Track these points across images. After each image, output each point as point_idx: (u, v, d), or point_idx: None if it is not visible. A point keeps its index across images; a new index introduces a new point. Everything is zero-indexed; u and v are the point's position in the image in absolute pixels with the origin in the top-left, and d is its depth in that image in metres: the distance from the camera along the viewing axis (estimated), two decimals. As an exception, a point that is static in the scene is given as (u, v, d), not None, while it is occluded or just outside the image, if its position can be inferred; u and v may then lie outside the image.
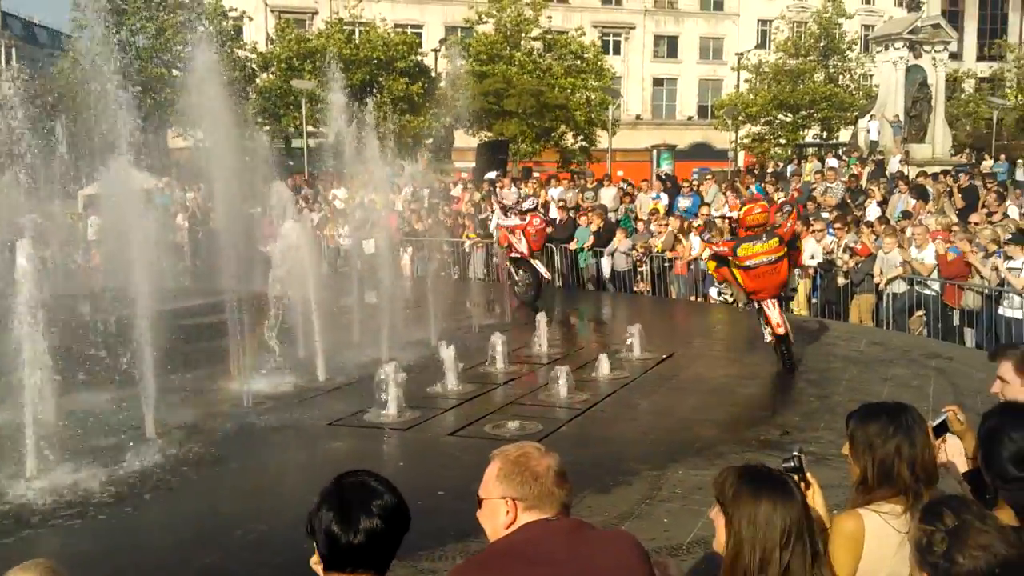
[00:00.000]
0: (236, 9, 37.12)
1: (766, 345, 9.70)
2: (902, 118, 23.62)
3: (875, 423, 2.77)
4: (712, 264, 9.92)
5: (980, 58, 55.18)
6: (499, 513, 2.39)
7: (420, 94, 35.51)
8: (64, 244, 15.71)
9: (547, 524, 2.36)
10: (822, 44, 41.38)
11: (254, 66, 36.33)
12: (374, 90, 33.15)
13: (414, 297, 13.03)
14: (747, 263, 8.99)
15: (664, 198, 18.08)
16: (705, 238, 12.13)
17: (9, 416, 6.92)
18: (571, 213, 17.28)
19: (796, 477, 2.60)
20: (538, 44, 38.55)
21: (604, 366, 9.47)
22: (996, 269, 11.12)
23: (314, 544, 2.22)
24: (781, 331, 9.15)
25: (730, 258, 9.12)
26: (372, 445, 7.54)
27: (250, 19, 40.36)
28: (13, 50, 60.37)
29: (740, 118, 40.99)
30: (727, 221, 11.98)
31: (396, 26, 42.21)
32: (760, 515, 2.29)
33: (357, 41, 37.01)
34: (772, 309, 9.19)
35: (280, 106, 35.08)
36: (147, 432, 7.47)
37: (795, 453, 2.69)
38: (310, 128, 30.49)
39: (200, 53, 13.76)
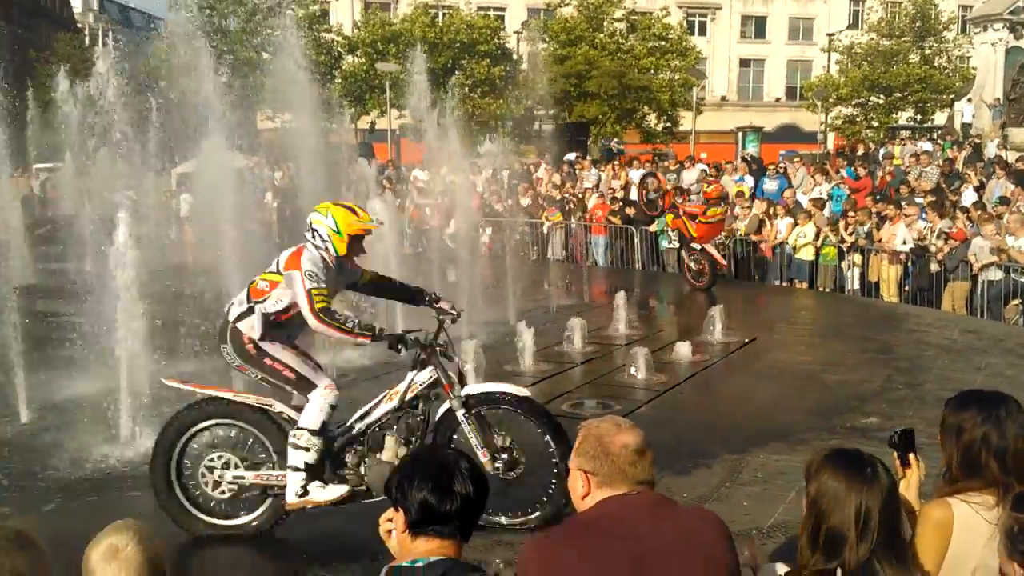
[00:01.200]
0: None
1: (853, 332, 9.45)
2: (1001, 101, 22.49)
3: (966, 410, 2.65)
4: (670, 217, 14.35)
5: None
6: (577, 485, 2.40)
7: (501, 77, 35.55)
8: (157, 221, 16.29)
9: (625, 499, 2.34)
10: (917, 25, 39.74)
11: (340, 49, 36.93)
12: (456, 73, 33.34)
13: (493, 277, 13.08)
14: (710, 220, 13.57)
15: (749, 180, 17.66)
16: (679, 201, 14.79)
17: (106, 384, 7.22)
18: (653, 195, 17.03)
19: (895, 454, 2.51)
20: (621, 25, 38.08)
21: (684, 349, 9.34)
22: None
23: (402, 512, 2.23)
24: (724, 263, 13.99)
25: (697, 215, 13.61)
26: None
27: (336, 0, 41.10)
28: (110, 33, 62.81)
29: (830, 100, 39.73)
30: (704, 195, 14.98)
31: (479, 9, 42.33)
32: (834, 492, 2.22)
33: (441, 25, 37.25)
34: (713, 249, 13.64)
35: (364, 89, 35.60)
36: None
37: (900, 430, 2.60)
38: (393, 111, 30.86)
39: (287, 37, 14.01)
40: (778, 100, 52.86)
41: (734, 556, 2.41)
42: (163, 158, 16.40)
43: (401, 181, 20.91)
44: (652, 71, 36.65)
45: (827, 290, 14.11)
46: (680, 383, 8.50)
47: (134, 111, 13.38)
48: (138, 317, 7.10)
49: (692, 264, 13.91)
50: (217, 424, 5.13)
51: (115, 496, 5.85)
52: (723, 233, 14.45)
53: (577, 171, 20.19)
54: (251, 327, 4.93)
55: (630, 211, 16.86)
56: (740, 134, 37.16)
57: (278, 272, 4.94)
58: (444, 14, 38.87)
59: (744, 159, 21.01)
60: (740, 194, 16.53)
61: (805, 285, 14.37)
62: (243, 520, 5.18)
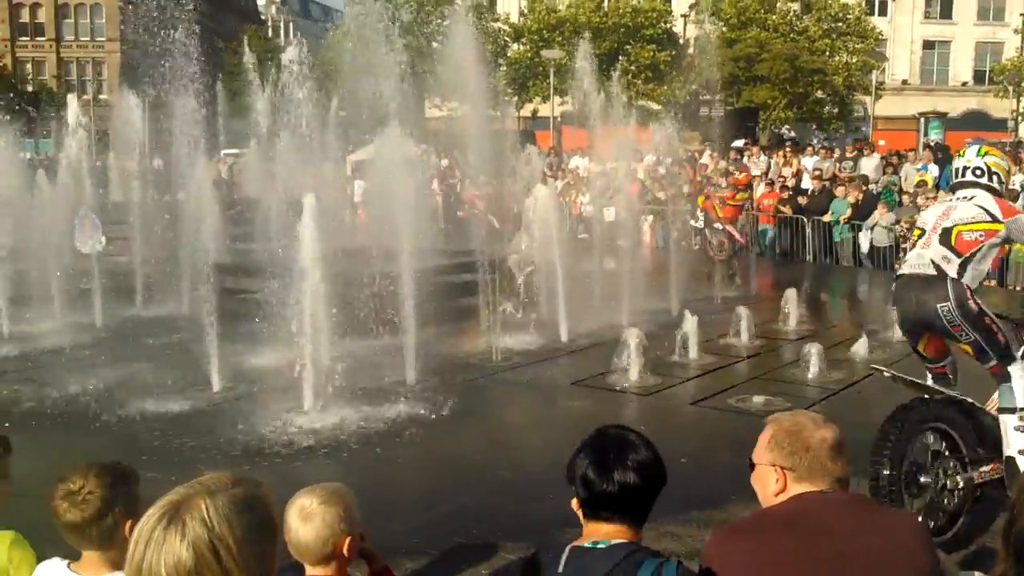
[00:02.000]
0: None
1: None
2: None
3: None
4: (701, 199, 15.09)
5: None
6: (769, 480, 2.34)
7: (666, 62, 34.93)
8: (334, 205, 17.12)
9: (823, 496, 2.27)
10: None
11: (506, 38, 37.41)
12: (621, 58, 33.02)
13: (654, 266, 12.92)
14: (737, 203, 14.65)
15: (933, 169, 16.54)
16: (710, 188, 15.71)
17: (291, 356, 7.68)
18: (827, 184, 16.29)
19: None
20: (795, 6, 36.49)
21: (861, 346, 8.89)
22: None
23: (575, 490, 2.27)
24: (742, 240, 14.47)
25: (727, 199, 14.68)
26: (613, 407, 7.61)
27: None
28: (291, 24, 66.39)
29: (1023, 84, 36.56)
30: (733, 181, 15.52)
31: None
32: None
33: (606, 9, 36.99)
34: (733, 229, 14.33)
35: (528, 76, 35.91)
36: (406, 379, 8.01)
37: None
38: (556, 98, 30.99)
39: (456, 27, 14.29)
40: (965, 84, 49.12)
41: (936, 564, 2.28)
42: (340, 146, 17.21)
43: (562, 168, 20.99)
44: (827, 53, 34.93)
45: (1018, 288, 13.03)
46: (857, 381, 8.10)
47: (314, 100, 14.12)
48: (321, 295, 7.50)
49: (713, 240, 14.48)
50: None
51: (301, 462, 6.21)
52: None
53: (746, 158, 19.57)
54: (971, 280, 4.51)
55: (802, 200, 16.20)
56: (922, 120, 34.84)
57: (994, 221, 4.50)
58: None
59: (928, 146, 19.70)
60: (923, 183, 15.51)
61: (994, 283, 13.32)
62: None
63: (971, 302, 4.47)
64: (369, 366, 8.11)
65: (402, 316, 8.38)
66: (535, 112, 36.80)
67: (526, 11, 38.74)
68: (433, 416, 7.22)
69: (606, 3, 38.02)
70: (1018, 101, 37.16)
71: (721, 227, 14.30)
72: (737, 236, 14.36)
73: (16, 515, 2.64)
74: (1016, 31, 40.38)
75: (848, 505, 2.28)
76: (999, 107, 41.75)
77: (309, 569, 2.33)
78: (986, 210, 4.52)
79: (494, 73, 32.24)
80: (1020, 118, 37.72)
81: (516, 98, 35.60)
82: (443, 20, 31.43)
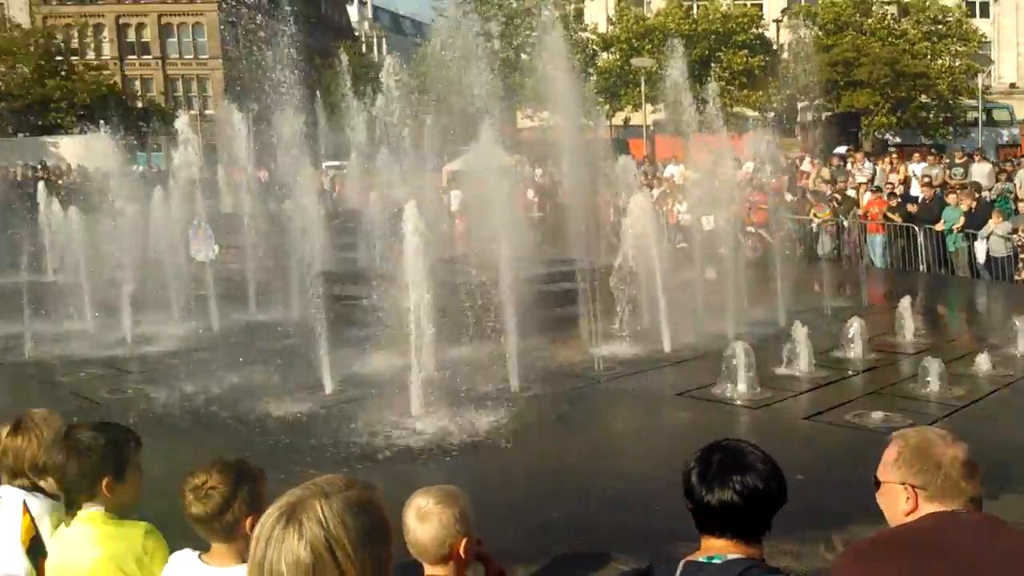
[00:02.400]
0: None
1: None
2: None
3: None
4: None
5: None
6: (899, 499, 2.24)
7: (760, 67, 34.28)
8: (432, 215, 17.36)
9: (956, 516, 2.17)
10: None
11: (595, 47, 37.37)
12: (713, 65, 32.58)
13: (758, 275, 12.61)
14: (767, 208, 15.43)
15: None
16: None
17: (399, 362, 7.77)
18: (938, 191, 15.64)
19: None
20: (892, 8, 35.31)
21: (984, 361, 8.45)
22: None
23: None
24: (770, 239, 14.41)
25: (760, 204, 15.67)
26: (722, 419, 7.44)
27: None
28: (384, 39, 67.88)
29: None
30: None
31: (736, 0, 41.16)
32: None
33: (696, 16, 36.59)
34: (764, 232, 14.97)
35: (619, 85, 35.76)
36: (510, 386, 8.01)
37: None
38: (648, 106, 30.74)
39: (545, 39, 14.31)
40: (1082, 85, 46.70)
41: None
42: (436, 156, 17.44)
43: (656, 176, 20.77)
44: (928, 57, 33.66)
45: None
46: (982, 398, 7.70)
47: (410, 113, 14.36)
48: (427, 303, 7.57)
49: (748, 241, 15.06)
50: None
51: (410, 465, 6.26)
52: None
53: (850, 164, 19.00)
54: None
55: (911, 208, 15.59)
56: (1034, 125, 33.25)
57: None
58: (699, 5, 38.16)
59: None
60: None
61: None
62: None
63: None
64: (474, 373, 8.14)
65: (504, 325, 8.39)
66: (627, 120, 36.59)
67: (615, 20, 38.60)
68: (538, 424, 7.19)
69: (695, 9, 37.59)
70: None
71: (754, 230, 15.32)
72: (767, 238, 14.96)
73: (147, 508, 2.76)
74: None
75: (985, 527, 2.18)
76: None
77: (428, 568, 2.37)
78: None
79: (584, 82, 32.21)
80: None
81: (607, 107, 35.46)
82: (531, 32, 31.58)
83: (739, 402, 7.74)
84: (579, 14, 41.03)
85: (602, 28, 39.51)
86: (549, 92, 14.61)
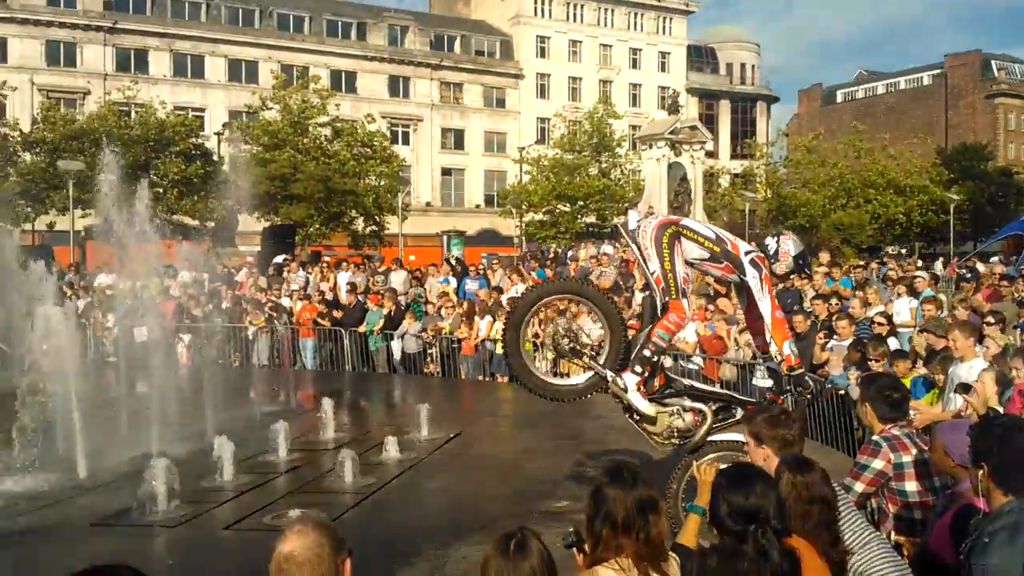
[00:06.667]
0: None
1: (547, 421, 10.09)
2: (666, 210, 25.75)
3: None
4: None
5: (733, 156, 61.66)
6: None
7: (199, 176, 34.41)
8: None
9: None
10: (594, 141, 44.50)
11: (16, 145, 33.76)
12: (149, 171, 31.74)
13: (190, 386, 12.35)
14: None
15: (453, 281, 18.46)
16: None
17: None
18: (361, 297, 17.21)
19: (576, 550, 2.83)
20: (326, 131, 38.60)
21: (392, 448, 9.39)
22: (749, 343, 12.21)
23: None
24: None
25: None
26: (140, 544, 6.98)
27: (13, 89, 37.93)
28: None
29: (524, 207, 42.94)
30: None
31: (177, 109, 41.00)
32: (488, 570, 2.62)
33: (133, 121, 35.51)
34: None
35: (45, 188, 32.66)
36: None
37: (571, 530, 2.93)
38: (78, 211, 28.55)
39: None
40: (478, 206, 56.16)
41: None
42: None
43: (84, 286, 19.27)
44: (356, 176, 37.35)
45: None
46: (387, 483, 8.49)
47: None
48: None
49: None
50: None
51: None
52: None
53: (285, 273, 19.88)
54: None
55: (337, 313, 16.87)
56: (445, 238, 38.85)
57: None
58: (137, 111, 37.14)
59: (448, 261, 21.96)
60: (444, 294, 17.19)
61: (506, 379, 15.11)
62: None
63: None
64: None
65: None
66: (52, 225, 33.44)
67: (39, 119, 35.41)
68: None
69: (133, 115, 36.63)
70: (521, 220, 43.43)
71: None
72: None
73: None
74: (515, 161, 47.46)
75: None
76: (506, 225, 48.38)
77: None
78: None
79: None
80: (523, 235, 43.98)
81: (29, 210, 32.18)
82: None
83: (159, 522, 7.37)
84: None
85: (26, 126, 35.92)
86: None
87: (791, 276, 6.79)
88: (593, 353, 6.66)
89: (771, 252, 6.65)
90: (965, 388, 6.44)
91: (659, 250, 6.36)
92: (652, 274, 6.39)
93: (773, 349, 6.46)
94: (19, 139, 34.01)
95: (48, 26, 46.09)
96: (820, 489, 3.13)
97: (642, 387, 6.48)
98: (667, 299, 6.33)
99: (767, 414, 3.90)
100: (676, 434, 6.52)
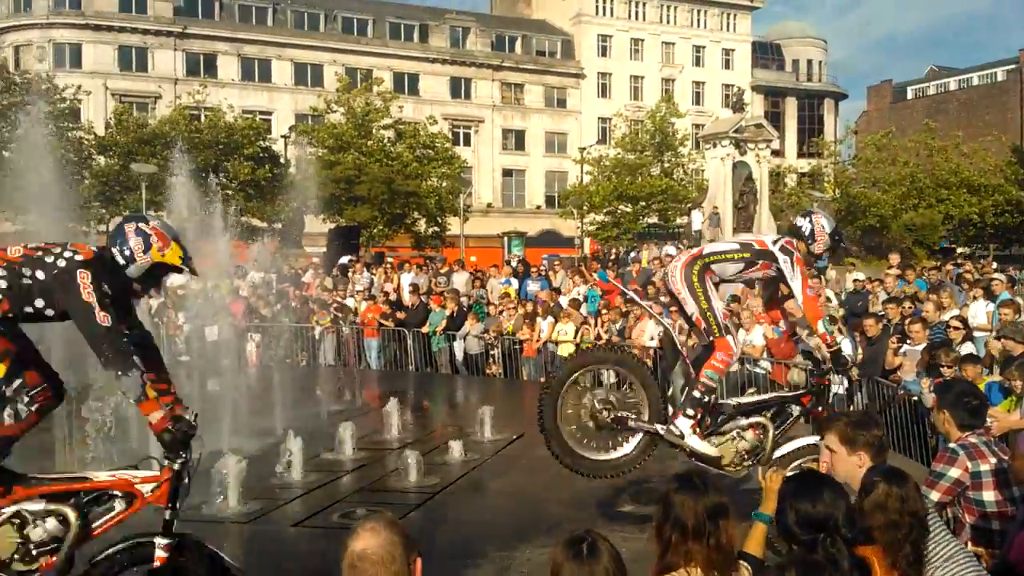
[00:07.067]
0: (72, 86, 36.00)
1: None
2: (730, 211, 25.36)
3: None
4: None
5: (800, 155, 60.49)
6: None
7: (267, 179, 35.16)
8: None
9: None
10: (657, 141, 44.11)
11: (91, 148, 34.97)
12: (219, 174, 32.56)
13: (259, 385, 12.62)
14: None
15: (514, 283, 18.50)
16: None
17: None
18: (424, 298, 17.36)
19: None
20: (389, 133, 39.10)
21: (455, 449, 9.45)
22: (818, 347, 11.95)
23: None
24: None
25: None
26: (211, 540, 7.13)
27: (87, 93, 39.17)
28: None
29: (584, 208, 42.81)
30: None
31: (244, 112, 41.94)
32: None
33: (202, 124, 36.46)
34: None
35: (119, 190, 33.76)
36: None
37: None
38: (150, 212, 29.41)
39: (30, 134, 13.14)
40: (539, 208, 56.18)
41: None
42: None
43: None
44: (419, 178, 37.75)
45: (587, 384, 14.87)
46: (451, 483, 8.55)
47: None
48: None
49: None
50: None
51: None
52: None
53: (350, 274, 20.17)
54: None
55: (401, 314, 17.05)
56: (506, 239, 39.01)
57: None
58: (206, 115, 38.12)
59: (508, 262, 22.02)
60: (506, 296, 17.23)
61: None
62: None
63: None
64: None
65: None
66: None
67: (113, 123, 36.64)
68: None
69: (202, 118, 37.58)
70: (581, 221, 43.30)
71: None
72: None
73: None
74: (576, 162, 47.37)
75: None
76: (567, 227, 48.31)
77: None
78: None
79: (76, 184, 29.90)
80: (585, 236, 43.85)
81: (104, 211, 33.27)
82: (14, 128, 28.52)
83: (229, 518, 7.54)
84: (75, 113, 38.21)
85: (100, 130, 37.20)
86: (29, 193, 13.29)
87: (829, 252, 6.62)
88: (634, 415, 6.46)
89: (806, 233, 6.51)
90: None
91: (692, 291, 6.27)
92: (692, 316, 6.31)
93: (805, 332, 6.38)
94: (94, 142, 35.21)
95: (120, 32, 47.64)
96: (914, 504, 3.04)
97: (697, 428, 6.36)
98: (711, 338, 6.23)
99: (850, 418, 3.79)
100: (746, 457, 6.40)
